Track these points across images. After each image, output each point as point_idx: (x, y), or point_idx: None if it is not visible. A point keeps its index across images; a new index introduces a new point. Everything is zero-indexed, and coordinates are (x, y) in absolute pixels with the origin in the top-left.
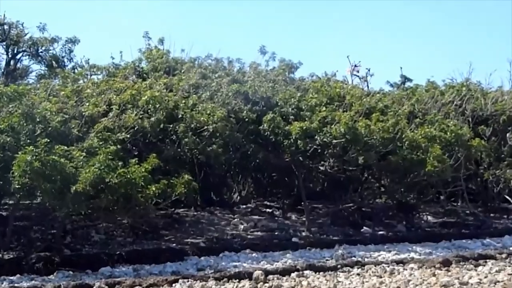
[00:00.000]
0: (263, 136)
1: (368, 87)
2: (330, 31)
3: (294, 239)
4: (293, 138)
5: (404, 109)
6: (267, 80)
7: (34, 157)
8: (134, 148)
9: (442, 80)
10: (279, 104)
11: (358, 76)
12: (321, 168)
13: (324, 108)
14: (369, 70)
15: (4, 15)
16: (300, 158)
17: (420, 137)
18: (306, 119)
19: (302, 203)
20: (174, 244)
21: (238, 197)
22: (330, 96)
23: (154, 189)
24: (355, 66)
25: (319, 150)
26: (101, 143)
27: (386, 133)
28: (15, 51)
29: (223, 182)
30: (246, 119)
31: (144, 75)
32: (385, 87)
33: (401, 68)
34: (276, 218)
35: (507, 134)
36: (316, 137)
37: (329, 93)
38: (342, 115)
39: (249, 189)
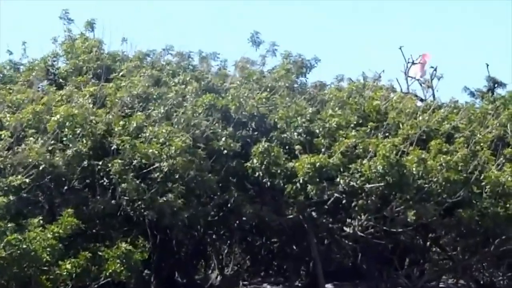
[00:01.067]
0: (253, 179)
1: (433, 97)
2: (369, 13)
3: None
4: (301, 181)
5: (487, 133)
6: (262, 88)
7: None
8: (39, 199)
9: None
10: (278, 126)
11: (419, 80)
12: (348, 229)
13: (352, 133)
14: (435, 70)
15: None
16: (313, 213)
17: (510, 178)
18: (322, 149)
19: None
20: None
21: (219, 277)
22: (363, 113)
23: (68, 266)
24: (413, 62)
25: (343, 201)
26: None
27: (454, 172)
28: None
29: (194, 252)
30: (225, 151)
31: (61, 80)
32: (461, 97)
33: (487, 66)
34: None
35: None
36: (338, 179)
37: (362, 108)
38: (381, 143)
39: (237, 263)
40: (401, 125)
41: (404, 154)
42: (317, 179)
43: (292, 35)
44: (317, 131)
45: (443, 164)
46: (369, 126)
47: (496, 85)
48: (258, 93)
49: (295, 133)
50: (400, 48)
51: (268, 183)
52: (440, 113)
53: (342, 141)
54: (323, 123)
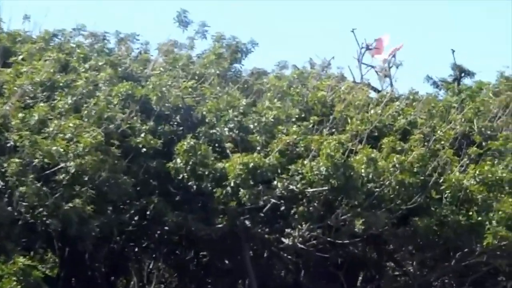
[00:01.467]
0: (177, 182)
1: (391, 88)
2: None
3: None
4: (232, 184)
5: (449, 129)
6: (189, 75)
7: None
8: None
9: None
10: (207, 120)
11: (375, 68)
12: (287, 241)
13: (293, 128)
14: (393, 57)
15: None
16: (247, 222)
17: (475, 182)
18: (258, 147)
19: None
20: None
21: None
22: (306, 106)
23: None
24: (367, 47)
25: (282, 208)
26: None
27: (410, 174)
28: None
29: (111, 268)
30: (144, 149)
31: None
32: (423, 87)
33: (453, 52)
34: None
35: None
36: (275, 183)
37: (305, 100)
38: (325, 140)
39: (163, 280)
40: (349, 120)
41: (352, 153)
42: (251, 182)
43: (227, 15)
44: (252, 126)
45: (397, 165)
46: (311, 121)
47: (463, 74)
48: (184, 81)
49: (226, 129)
50: (353, 31)
51: (195, 187)
52: (395, 106)
53: (281, 138)
54: (258, 117)
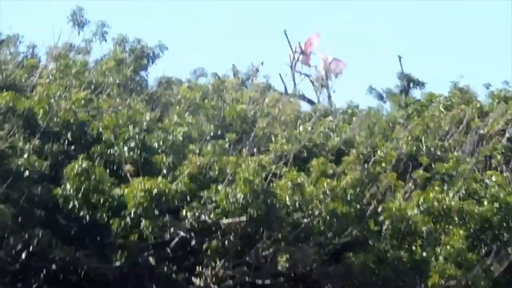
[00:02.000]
0: (66, 211)
1: (329, 100)
2: None
3: None
4: (132, 214)
5: (392, 149)
6: (83, 85)
7: None
8: None
9: (486, 87)
10: (104, 138)
11: (309, 76)
12: (198, 281)
13: (208, 148)
14: (329, 64)
15: None
16: (151, 259)
17: (419, 211)
18: (164, 171)
19: None
20: None
21: None
22: (223, 121)
23: None
24: (302, 52)
25: (192, 243)
26: None
27: (343, 203)
28: None
29: None
30: (27, 172)
31: None
32: (366, 100)
33: (399, 58)
34: None
35: None
36: (184, 212)
37: (222, 114)
38: (243, 162)
39: None
40: (273, 138)
41: (276, 177)
42: (155, 212)
43: (132, 14)
44: (157, 145)
45: (328, 192)
46: (227, 139)
47: (411, 85)
48: (77, 91)
49: (126, 148)
50: (285, 33)
51: (88, 218)
52: (328, 122)
53: (191, 159)
54: (165, 135)
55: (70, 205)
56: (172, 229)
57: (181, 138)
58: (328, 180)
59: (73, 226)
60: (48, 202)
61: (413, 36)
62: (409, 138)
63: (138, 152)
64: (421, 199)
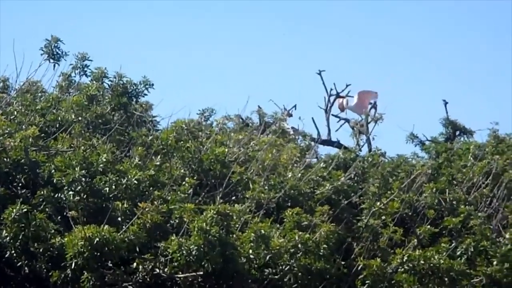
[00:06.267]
0: (2, 261)
1: (369, 148)
2: None
3: None
4: (73, 265)
5: (396, 201)
6: (47, 123)
7: None
8: None
9: None
10: (54, 180)
11: (349, 121)
12: None
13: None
14: (374, 107)
15: None
16: None
17: (402, 270)
18: (119, 219)
19: None
20: None
21: None
22: (199, 164)
23: None
24: (337, 95)
25: None
26: None
27: (317, 258)
28: None
29: None
30: None
31: None
32: (406, 148)
33: (445, 103)
34: None
35: None
36: (134, 265)
37: (198, 157)
38: (204, 210)
39: None
40: (251, 185)
41: (245, 227)
42: (98, 264)
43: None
44: (108, 190)
45: (299, 245)
46: (187, 184)
47: (458, 133)
48: (30, 129)
49: (71, 192)
50: (320, 73)
51: (26, 269)
52: (320, 169)
53: (142, 205)
54: (117, 178)
55: (7, 254)
56: (121, 283)
57: (136, 182)
58: (300, 233)
59: (10, 277)
60: None
61: (460, 80)
62: (433, 189)
63: (84, 197)
64: (405, 257)
